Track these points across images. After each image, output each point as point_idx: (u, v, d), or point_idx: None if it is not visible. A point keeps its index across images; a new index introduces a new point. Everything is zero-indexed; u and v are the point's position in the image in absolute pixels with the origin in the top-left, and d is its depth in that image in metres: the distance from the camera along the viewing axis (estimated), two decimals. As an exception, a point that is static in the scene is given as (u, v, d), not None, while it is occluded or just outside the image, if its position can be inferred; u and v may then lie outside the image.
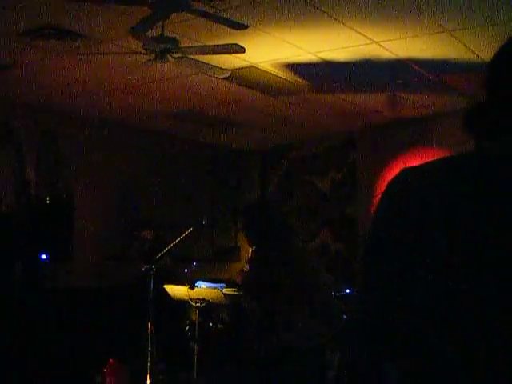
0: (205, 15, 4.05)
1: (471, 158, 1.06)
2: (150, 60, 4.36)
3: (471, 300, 0.97)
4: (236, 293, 6.45)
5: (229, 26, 4.19)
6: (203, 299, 4.65)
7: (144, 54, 4.35)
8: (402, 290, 1.05)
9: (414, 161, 7.14)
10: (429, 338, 1.01)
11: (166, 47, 4.20)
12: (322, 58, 5.13)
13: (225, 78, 5.46)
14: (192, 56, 4.46)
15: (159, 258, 4.94)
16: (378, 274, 1.09)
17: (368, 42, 4.70)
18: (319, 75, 5.59)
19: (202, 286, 5.40)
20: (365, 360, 1.12)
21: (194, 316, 4.79)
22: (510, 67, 1.06)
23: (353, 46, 4.81)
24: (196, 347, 4.75)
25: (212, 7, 4.08)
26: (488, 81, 1.10)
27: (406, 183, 1.08)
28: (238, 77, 5.60)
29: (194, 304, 4.67)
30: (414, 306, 1.03)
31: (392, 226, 1.07)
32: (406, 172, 1.09)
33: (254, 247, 3.81)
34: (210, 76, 5.24)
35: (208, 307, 4.82)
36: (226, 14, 4.16)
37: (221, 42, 4.41)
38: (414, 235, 1.02)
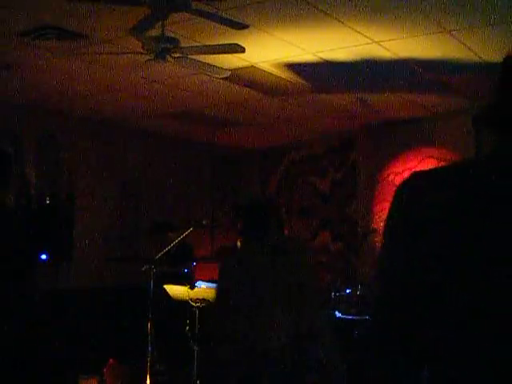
0: (205, 15, 4.05)
1: (481, 163, 1.05)
2: (149, 60, 4.36)
3: (491, 307, 0.96)
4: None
5: (229, 26, 4.19)
6: (203, 299, 4.64)
7: (144, 53, 4.35)
8: (419, 300, 1.04)
9: (414, 161, 7.15)
10: (452, 346, 1.01)
11: (165, 47, 4.19)
12: (322, 58, 5.12)
13: (225, 78, 5.46)
14: (192, 56, 4.46)
15: (159, 258, 4.94)
16: (395, 282, 1.08)
17: (368, 41, 4.70)
18: (319, 75, 5.59)
19: (202, 285, 5.39)
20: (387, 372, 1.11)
21: (194, 316, 4.78)
22: None
23: (353, 46, 4.81)
24: (196, 347, 4.75)
25: (212, 7, 4.08)
26: (503, 77, 1.09)
27: (416, 187, 1.07)
28: (237, 77, 5.59)
29: (194, 304, 4.66)
30: (432, 314, 1.02)
31: (404, 231, 1.06)
32: (416, 176, 1.09)
33: None
34: (210, 76, 5.24)
35: (208, 307, 4.82)
36: (226, 14, 4.16)
37: (221, 42, 4.41)
38: (426, 241, 1.01)
